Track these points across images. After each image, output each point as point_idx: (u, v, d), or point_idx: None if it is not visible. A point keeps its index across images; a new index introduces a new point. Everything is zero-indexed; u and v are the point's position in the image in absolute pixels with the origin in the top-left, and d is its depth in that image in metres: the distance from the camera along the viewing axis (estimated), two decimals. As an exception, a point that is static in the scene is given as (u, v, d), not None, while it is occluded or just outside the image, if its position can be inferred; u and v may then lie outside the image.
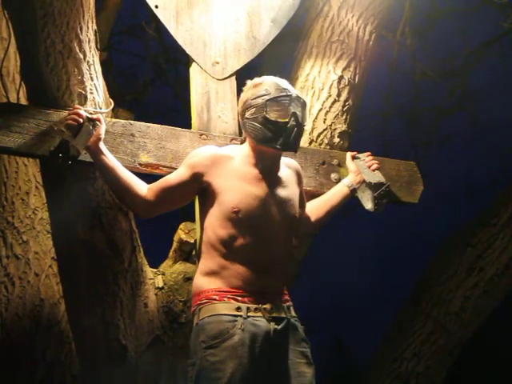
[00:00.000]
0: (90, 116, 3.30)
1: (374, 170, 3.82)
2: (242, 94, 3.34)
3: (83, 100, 3.47)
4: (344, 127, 4.31)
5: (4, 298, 4.47)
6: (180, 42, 3.83)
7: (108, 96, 3.72)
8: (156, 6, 3.80)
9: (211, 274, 3.20)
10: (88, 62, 3.48)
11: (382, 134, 7.32)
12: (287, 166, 3.40)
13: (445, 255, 5.40)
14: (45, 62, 3.37)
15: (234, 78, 3.90)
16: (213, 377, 3.04)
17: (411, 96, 7.54)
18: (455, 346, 5.27)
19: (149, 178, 3.36)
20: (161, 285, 4.01)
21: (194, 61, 3.84)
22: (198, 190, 3.27)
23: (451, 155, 9.42)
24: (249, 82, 3.35)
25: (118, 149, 3.47)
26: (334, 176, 3.94)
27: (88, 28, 3.46)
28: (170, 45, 6.92)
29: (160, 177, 3.35)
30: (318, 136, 4.23)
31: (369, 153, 3.92)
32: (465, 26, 7.50)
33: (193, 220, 3.69)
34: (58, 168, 3.43)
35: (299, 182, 3.45)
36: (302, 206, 3.53)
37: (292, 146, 3.27)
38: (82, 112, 3.28)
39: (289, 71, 4.47)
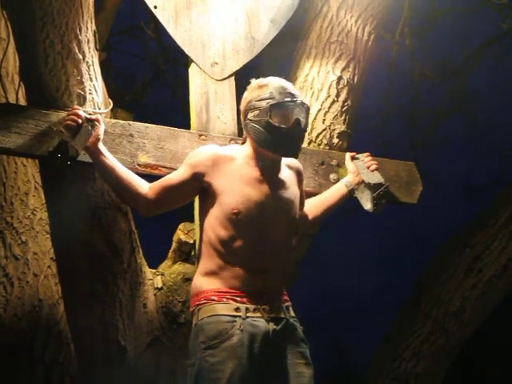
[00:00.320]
0: (88, 116, 3.30)
1: (373, 171, 3.82)
2: (246, 93, 3.32)
3: (82, 100, 3.47)
4: (343, 128, 4.31)
5: (3, 298, 4.46)
6: (179, 42, 3.83)
7: (107, 96, 3.72)
8: (155, 7, 3.81)
9: (210, 274, 3.20)
10: (87, 62, 3.48)
11: (381, 134, 7.32)
12: (288, 167, 3.39)
13: (444, 256, 5.40)
14: (44, 63, 3.37)
15: (232, 78, 3.90)
16: (212, 377, 3.04)
17: (410, 96, 7.54)
18: (454, 347, 5.27)
19: (148, 178, 3.36)
20: (160, 285, 4.01)
21: (192, 61, 3.84)
22: (199, 190, 3.27)
23: (450, 156, 9.43)
24: (253, 82, 3.33)
25: (116, 149, 3.47)
26: (332, 176, 3.94)
27: (87, 28, 3.46)
28: (168, 45, 6.92)
29: (159, 177, 3.36)
30: (317, 136, 4.23)
31: (368, 153, 3.92)
32: (464, 27, 7.51)
33: (192, 220, 3.69)
34: (57, 168, 3.43)
35: (300, 183, 3.45)
36: (302, 205, 3.54)
37: (293, 152, 3.28)
38: (80, 112, 3.28)
39: (288, 71, 4.47)
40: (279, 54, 5.80)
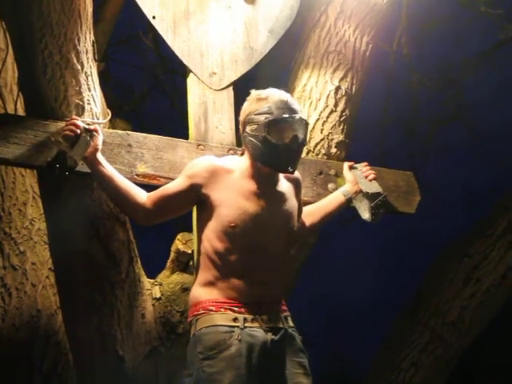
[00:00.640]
0: (87, 127, 3.31)
1: (371, 180, 3.83)
2: (246, 105, 3.31)
3: (81, 111, 3.47)
4: (341, 137, 4.31)
5: (1, 308, 4.46)
6: (177, 52, 3.84)
7: (105, 107, 3.72)
8: (153, 17, 3.82)
9: (208, 284, 3.20)
10: (86, 72, 3.49)
11: (379, 144, 7.32)
12: (287, 178, 3.38)
13: (442, 265, 5.40)
14: (42, 73, 3.38)
15: (231, 88, 3.91)
16: (210, 388, 3.04)
17: (408, 106, 7.55)
18: (452, 357, 5.27)
19: (146, 188, 3.36)
20: (158, 295, 4.00)
21: (191, 71, 3.85)
22: (197, 201, 3.27)
23: (449, 165, 9.43)
24: (253, 93, 3.31)
25: (115, 159, 3.47)
26: (331, 186, 3.95)
27: (86, 39, 3.47)
28: (167, 55, 6.92)
29: (157, 187, 3.36)
30: (315, 146, 4.23)
31: (366, 163, 3.92)
32: (461, 37, 7.53)
33: (190, 230, 3.69)
34: (56, 179, 3.43)
35: (298, 193, 3.45)
36: (300, 215, 3.54)
37: (290, 169, 3.26)
38: (79, 123, 3.29)
39: (286, 81, 4.48)
40: (277, 64, 5.81)
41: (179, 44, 3.84)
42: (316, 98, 4.31)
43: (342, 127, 4.32)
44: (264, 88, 3.34)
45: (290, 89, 4.34)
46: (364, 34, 4.40)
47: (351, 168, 3.90)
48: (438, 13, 6.92)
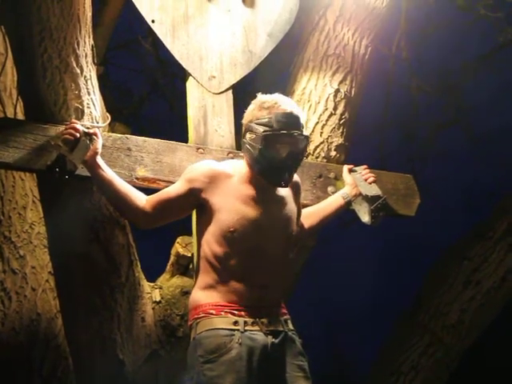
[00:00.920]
0: (86, 130, 3.31)
1: (370, 183, 3.83)
2: (250, 109, 3.30)
3: (80, 114, 3.47)
4: (340, 140, 4.31)
5: (1, 312, 4.45)
6: (176, 56, 3.85)
7: (105, 110, 3.72)
8: (152, 21, 3.82)
9: (208, 288, 3.20)
10: (85, 76, 3.49)
11: (379, 147, 7.32)
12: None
13: (442, 268, 5.40)
14: (42, 77, 3.38)
15: (230, 91, 3.91)
16: (211, 391, 3.04)
17: (408, 109, 7.55)
18: (452, 359, 5.27)
19: (146, 191, 3.36)
20: (158, 299, 4.00)
21: (190, 75, 3.85)
22: (196, 205, 3.28)
23: (448, 168, 9.43)
24: (259, 98, 3.29)
25: (114, 163, 3.47)
26: (330, 189, 3.95)
27: (85, 43, 3.47)
28: (166, 59, 6.92)
29: (157, 191, 3.36)
30: (315, 149, 4.23)
31: (365, 166, 3.93)
32: (460, 40, 7.53)
33: (190, 233, 3.69)
34: (55, 182, 3.43)
35: (297, 197, 3.45)
36: (299, 218, 3.54)
37: (283, 183, 3.25)
38: (78, 126, 3.29)
39: (285, 84, 4.49)
40: (276, 68, 5.82)
41: (178, 48, 3.85)
42: (315, 101, 4.32)
43: (341, 130, 4.33)
44: (264, 92, 3.33)
45: (289, 92, 4.34)
46: (363, 37, 4.41)
47: (351, 171, 3.90)
48: (437, 16, 6.92)
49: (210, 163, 3.34)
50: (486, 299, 5.23)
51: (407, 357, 5.21)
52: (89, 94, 3.52)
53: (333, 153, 4.26)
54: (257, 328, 3.15)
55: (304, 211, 3.65)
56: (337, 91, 4.34)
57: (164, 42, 3.84)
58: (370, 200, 3.76)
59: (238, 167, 3.32)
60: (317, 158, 4.22)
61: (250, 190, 3.25)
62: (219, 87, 3.88)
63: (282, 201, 3.32)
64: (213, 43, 3.91)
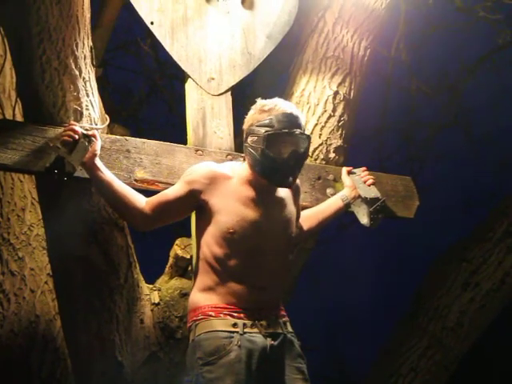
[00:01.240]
0: (85, 132, 3.30)
1: (369, 185, 3.82)
2: (250, 114, 3.30)
3: (79, 116, 3.47)
4: (339, 142, 4.31)
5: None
6: (175, 58, 3.84)
7: (104, 112, 3.72)
8: (151, 23, 3.82)
9: (207, 290, 3.20)
10: (84, 78, 3.49)
11: (378, 148, 7.32)
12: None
13: (441, 270, 5.40)
14: (40, 79, 3.37)
15: (229, 93, 3.91)
16: (210, 393, 3.04)
17: (407, 111, 7.55)
18: (452, 362, 5.26)
19: (145, 193, 3.36)
20: (157, 300, 4.00)
21: (189, 77, 3.85)
22: (195, 206, 3.27)
23: (447, 169, 9.44)
24: (258, 103, 3.30)
25: (113, 165, 3.47)
26: (329, 191, 3.94)
27: (84, 44, 3.47)
28: (165, 61, 6.93)
29: (156, 192, 3.36)
30: (314, 151, 4.23)
31: (364, 168, 3.93)
32: (459, 42, 7.53)
33: (189, 235, 3.69)
34: (54, 184, 3.43)
35: (297, 199, 3.45)
36: (298, 220, 3.54)
37: (287, 184, 3.26)
38: (77, 128, 3.28)
39: (284, 86, 4.49)
40: (275, 69, 5.82)
41: (177, 49, 3.85)
42: (314, 103, 4.31)
43: (340, 132, 4.32)
44: (263, 94, 3.34)
45: (288, 94, 4.34)
46: (362, 39, 4.41)
47: (350, 173, 3.90)
48: (436, 18, 6.93)
49: (209, 165, 3.34)
50: (485, 301, 5.23)
51: (406, 358, 5.21)
52: (87, 95, 3.52)
53: (332, 155, 4.26)
54: (256, 330, 3.15)
55: (303, 213, 3.65)
56: (336, 93, 4.34)
57: (163, 43, 3.84)
58: (369, 202, 3.76)
59: (238, 169, 3.32)
60: (316, 159, 4.21)
61: (249, 192, 3.25)
62: (218, 89, 3.88)
63: (281, 202, 3.32)
64: (212, 45, 3.91)
